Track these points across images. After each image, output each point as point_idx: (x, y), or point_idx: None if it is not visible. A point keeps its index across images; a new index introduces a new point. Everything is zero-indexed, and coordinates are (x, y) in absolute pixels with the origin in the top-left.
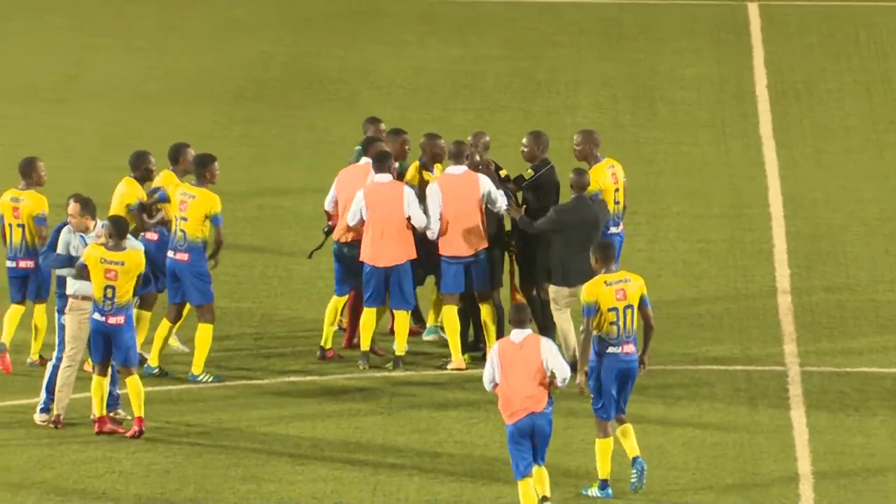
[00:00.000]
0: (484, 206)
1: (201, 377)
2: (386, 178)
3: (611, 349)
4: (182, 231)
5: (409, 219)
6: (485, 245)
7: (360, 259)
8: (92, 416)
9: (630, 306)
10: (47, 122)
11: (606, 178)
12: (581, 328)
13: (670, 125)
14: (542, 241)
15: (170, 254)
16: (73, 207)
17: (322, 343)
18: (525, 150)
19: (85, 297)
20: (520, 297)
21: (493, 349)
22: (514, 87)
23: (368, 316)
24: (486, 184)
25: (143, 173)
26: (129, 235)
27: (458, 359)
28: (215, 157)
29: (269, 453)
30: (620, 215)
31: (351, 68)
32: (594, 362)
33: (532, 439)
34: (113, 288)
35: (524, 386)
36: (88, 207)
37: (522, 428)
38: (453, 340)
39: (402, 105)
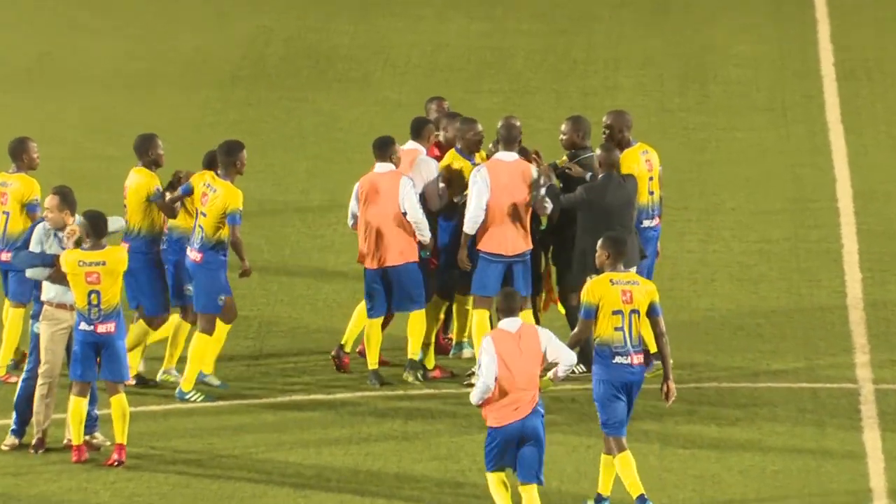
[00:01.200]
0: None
1: (191, 395)
2: (385, 167)
3: (618, 359)
4: (200, 227)
5: (405, 214)
6: (530, 245)
7: (358, 260)
8: (66, 441)
9: (636, 311)
10: (23, 107)
11: (640, 164)
12: (574, 331)
13: (724, 108)
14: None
15: (187, 249)
16: (50, 200)
17: (343, 341)
18: (564, 137)
19: (60, 305)
20: (558, 306)
21: (488, 341)
22: (547, 66)
23: (373, 328)
24: (535, 174)
25: (152, 160)
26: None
27: None
28: (243, 145)
29: (268, 483)
30: (656, 208)
31: (362, 45)
32: (599, 373)
33: (521, 445)
34: (97, 293)
35: (526, 378)
36: (68, 201)
37: (511, 434)
38: None
39: (420, 87)
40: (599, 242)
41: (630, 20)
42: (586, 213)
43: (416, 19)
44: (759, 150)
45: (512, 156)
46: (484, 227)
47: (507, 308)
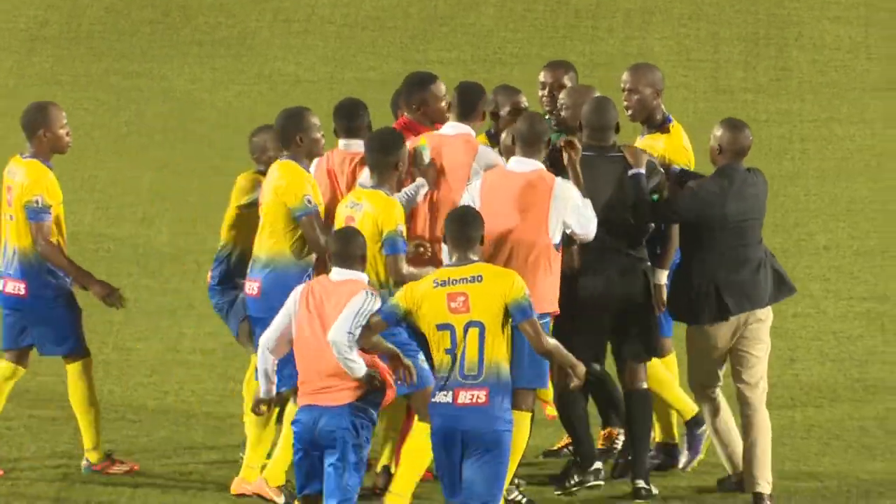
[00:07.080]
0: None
1: None
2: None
3: (439, 396)
4: None
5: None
6: (554, 306)
7: None
8: None
9: (476, 324)
10: None
11: (688, 153)
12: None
13: (814, 89)
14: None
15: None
16: None
17: (380, 462)
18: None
19: None
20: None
21: (297, 291)
22: (533, 21)
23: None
24: (562, 192)
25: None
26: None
27: None
28: (404, 136)
29: None
30: None
31: None
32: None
33: (321, 450)
34: None
35: (322, 354)
36: None
37: (306, 425)
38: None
39: (331, 54)
40: (447, 222)
41: None
42: (690, 228)
43: None
44: (872, 154)
45: (530, 164)
46: None
47: (341, 253)
